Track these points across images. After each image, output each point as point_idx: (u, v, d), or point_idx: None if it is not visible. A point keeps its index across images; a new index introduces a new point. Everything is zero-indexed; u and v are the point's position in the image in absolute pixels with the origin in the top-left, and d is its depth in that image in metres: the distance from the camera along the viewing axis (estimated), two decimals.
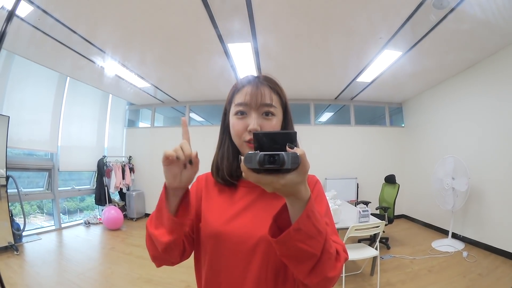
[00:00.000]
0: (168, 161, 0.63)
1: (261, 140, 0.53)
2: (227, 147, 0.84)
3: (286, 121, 0.83)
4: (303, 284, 0.65)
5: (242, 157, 0.51)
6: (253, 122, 0.74)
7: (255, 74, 0.85)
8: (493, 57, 4.06)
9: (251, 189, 0.81)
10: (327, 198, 3.83)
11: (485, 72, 4.24)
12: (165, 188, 0.68)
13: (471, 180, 4.09)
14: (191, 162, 0.65)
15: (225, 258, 0.74)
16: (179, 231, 0.70)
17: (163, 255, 0.71)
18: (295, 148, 0.51)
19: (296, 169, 0.50)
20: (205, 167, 0.84)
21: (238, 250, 0.73)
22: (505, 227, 3.80)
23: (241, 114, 0.76)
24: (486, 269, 3.42)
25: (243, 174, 0.52)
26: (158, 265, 0.77)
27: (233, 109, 0.79)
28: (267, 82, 0.80)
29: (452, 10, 2.90)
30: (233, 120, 0.79)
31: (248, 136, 0.75)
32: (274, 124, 0.76)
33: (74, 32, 3.37)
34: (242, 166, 0.51)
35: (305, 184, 0.54)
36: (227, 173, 0.82)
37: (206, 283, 0.79)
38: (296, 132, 0.56)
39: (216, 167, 0.85)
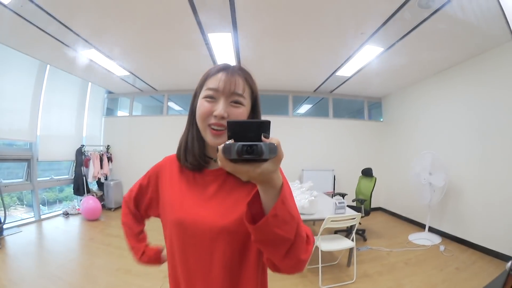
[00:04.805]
0: None
1: (235, 129, 0.53)
2: (197, 130, 0.83)
3: (255, 113, 0.84)
4: (276, 268, 0.67)
5: (220, 147, 0.51)
6: (221, 108, 0.74)
7: (233, 64, 0.86)
8: (473, 60, 4.16)
9: (216, 177, 0.82)
10: (304, 189, 3.85)
11: (465, 73, 4.34)
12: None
13: (448, 176, 4.19)
14: None
15: (191, 244, 0.77)
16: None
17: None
18: (270, 137, 0.52)
19: (272, 159, 0.52)
20: None
21: (203, 238, 0.76)
22: (482, 223, 3.90)
23: (210, 98, 0.76)
24: (463, 264, 3.49)
25: (219, 163, 0.53)
26: None
27: (203, 93, 0.79)
28: (242, 72, 0.81)
29: (436, 11, 2.94)
30: (201, 102, 0.78)
31: (213, 120, 0.75)
32: (241, 112, 0.77)
33: (54, 18, 3.25)
34: (219, 156, 0.51)
35: (278, 172, 0.56)
36: (199, 155, 0.82)
37: (175, 266, 0.83)
38: (269, 121, 0.55)
39: (185, 150, 0.85)
